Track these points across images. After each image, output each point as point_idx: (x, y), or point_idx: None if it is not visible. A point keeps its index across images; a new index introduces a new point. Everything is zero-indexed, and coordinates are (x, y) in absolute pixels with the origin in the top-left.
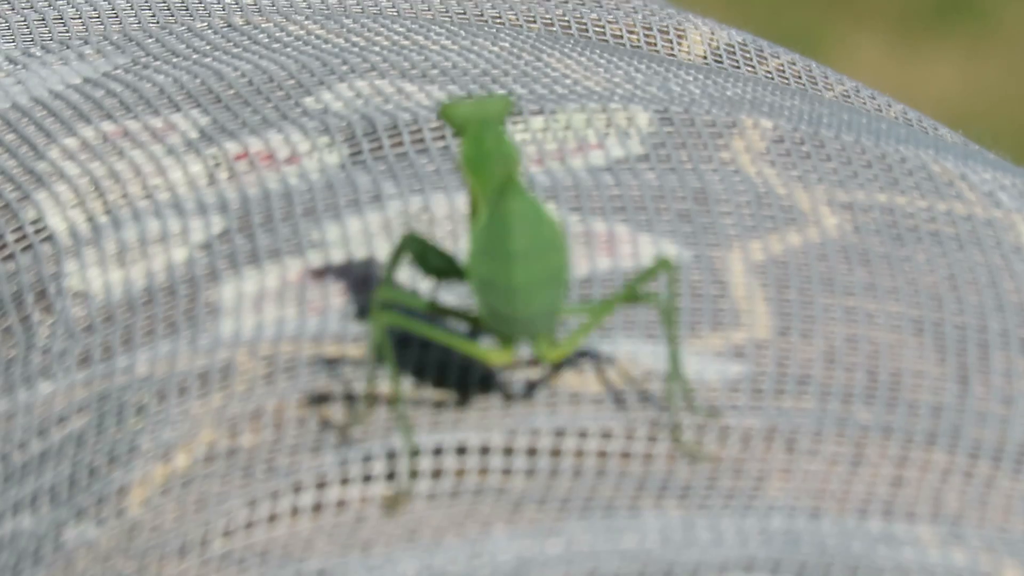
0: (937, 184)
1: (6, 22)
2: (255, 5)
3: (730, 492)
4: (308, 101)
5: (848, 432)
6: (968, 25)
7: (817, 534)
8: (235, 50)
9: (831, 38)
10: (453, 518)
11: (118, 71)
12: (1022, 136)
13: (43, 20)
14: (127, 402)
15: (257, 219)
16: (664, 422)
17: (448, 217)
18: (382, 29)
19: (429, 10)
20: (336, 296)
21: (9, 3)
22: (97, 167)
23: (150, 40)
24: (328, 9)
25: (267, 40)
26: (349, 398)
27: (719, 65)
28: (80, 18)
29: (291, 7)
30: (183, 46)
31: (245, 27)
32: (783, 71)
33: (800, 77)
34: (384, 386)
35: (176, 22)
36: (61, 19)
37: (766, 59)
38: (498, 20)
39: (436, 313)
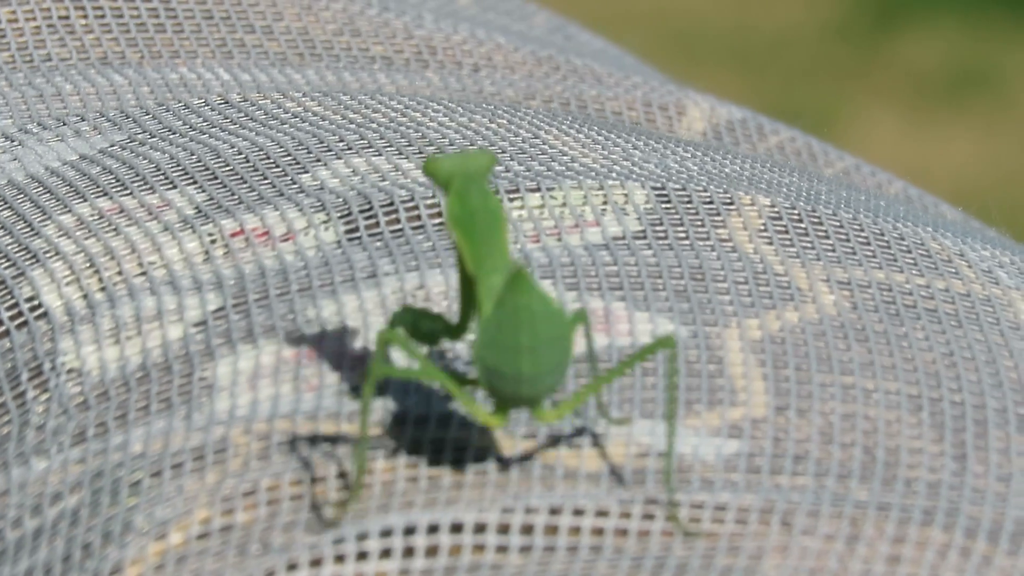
0: (935, 261)
1: (3, 98)
2: (253, 82)
3: (726, 570)
4: (304, 178)
5: (845, 510)
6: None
7: None
8: (232, 127)
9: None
10: None
11: (114, 148)
12: None
13: (40, 96)
14: (122, 479)
15: (253, 296)
16: (660, 499)
17: (443, 294)
18: (379, 106)
19: (428, 87)
20: (331, 373)
21: (7, 79)
22: (93, 244)
23: (147, 117)
24: (326, 86)
25: (264, 117)
26: (344, 476)
27: (718, 142)
28: (78, 94)
29: (288, 84)
30: (180, 123)
31: (242, 104)
32: (782, 148)
33: (800, 154)
34: (379, 464)
35: (173, 99)
36: (59, 95)
37: (766, 136)
38: (497, 97)
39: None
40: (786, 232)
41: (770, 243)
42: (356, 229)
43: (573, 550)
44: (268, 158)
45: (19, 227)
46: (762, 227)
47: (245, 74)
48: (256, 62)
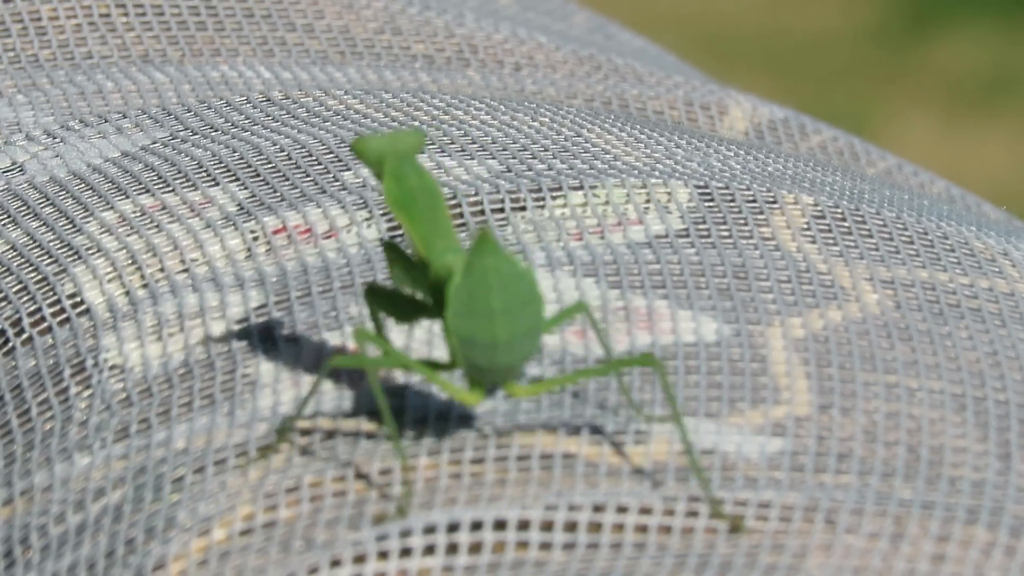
0: (979, 260)
1: (45, 95)
2: (294, 80)
3: (770, 568)
4: (346, 176)
5: (889, 508)
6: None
7: None
8: (274, 124)
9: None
10: None
11: (157, 144)
12: None
13: (82, 93)
14: (165, 475)
15: (295, 293)
16: (703, 496)
17: None
18: (421, 104)
19: (470, 85)
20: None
21: (48, 76)
22: (135, 241)
23: (189, 114)
24: (367, 84)
25: (306, 114)
26: (386, 472)
27: (760, 141)
28: (119, 92)
29: (330, 82)
30: (222, 120)
31: (284, 101)
32: (825, 147)
33: (842, 153)
34: (422, 460)
35: (215, 96)
36: (100, 92)
37: (808, 135)
38: (538, 95)
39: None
40: (829, 231)
41: (813, 242)
42: (399, 227)
43: (617, 547)
44: (311, 155)
45: (61, 224)
46: (805, 226)
47: (286, 72)
48: (297, 60)
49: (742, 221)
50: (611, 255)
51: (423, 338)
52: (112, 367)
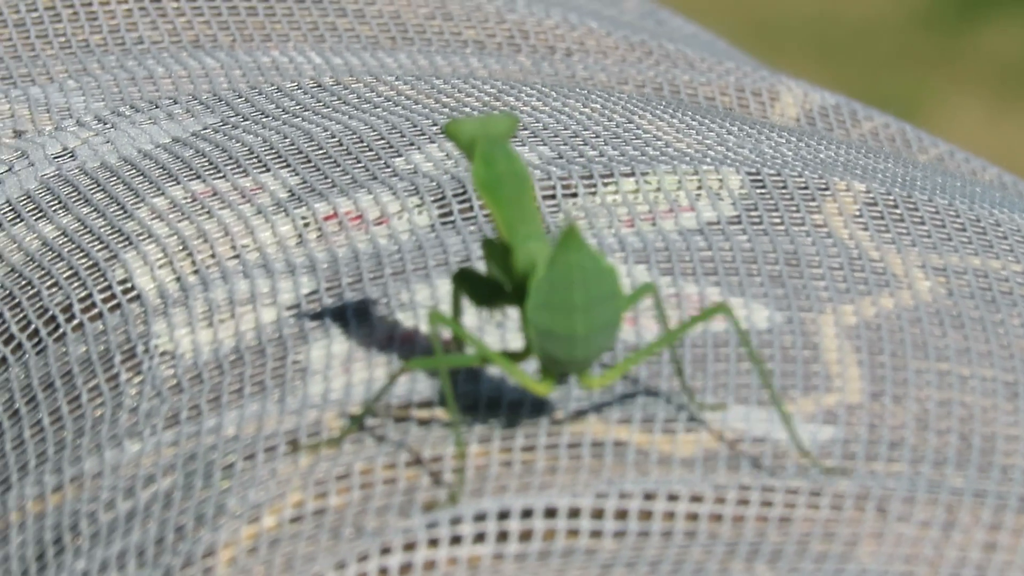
0: None
1: (96, 81)
2: (345, 65)
3: (821, 556)
4: (398, 162)
5: (940, 496)
6: None
7: None
8: (325, 110)
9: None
10: None
11: (207, 131)
12: None
13: (133, 79)
14: (215, 462)
15: (347, 280)
16: (756, 484)
17: None
18: (473, 90)
19: (521, 71)
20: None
21: (99, 62)
22: (186, 227)
23: (239, 100)
24: (418, 70)
25: (357, 100)
26: (437, 460)
27: (812, 127)
28: (170, 77)
29: (381, 68)
30: (272, 106)
31: (335, 87)
32: (876, 134)
33: (894, 140)
34: (472, 448)
35: (266, 82)
36: (151, 78)
37: (859, 122)
38: (589, 81)
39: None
40: (881, 218)
41: (865, 229)
42: (450, 213)
43: (667, 535)
44: (361, 142)
45: (112, 209)
46: (857, 213)
47: (337, 58)
48: (348, 46)
49: (794, 208)
50: (663, 242)
51: (495, 322)
52: (163, 353)
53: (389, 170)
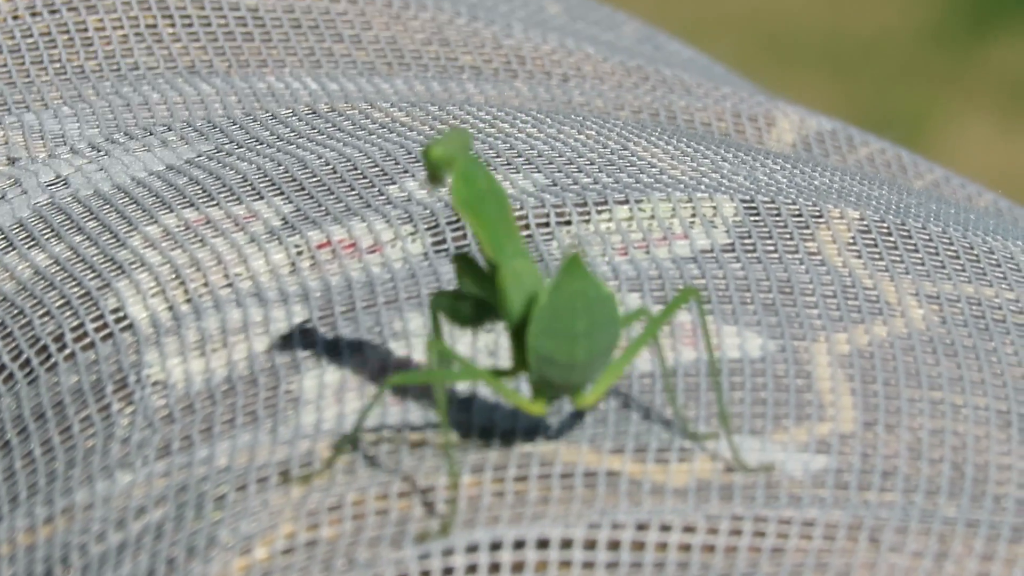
0: None
1: (90, 107)
2: (341, 91)
3: None
4: (392, 189)
5: (933, 526)
6: None
7: None
8: (319, 137)
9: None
10: None
11: (201, 158)
12: None
13: (127, 105)
14: (207, 493)
15: (340, 309)
16: (749, 514)
17: None
18: (468, 117)
19: (517, 97)
20: (418, 387)
21: (94, 88)
22: (179, 255)
23: (234, 127)
24: (415, 96)
25: (352, 127)
26: (430, 491)
27: (808, 153)
28: (165, 104)
29: (377, 93)
30: (267, 133)
31: (330, 114)
32: (873, 159)
33: (890, 165)
34: (465, 478)
35: (260, 108)
36: (146, 104)
37: (856, 147)
38: (586, 107)
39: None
40: (875, 245)
41: (859, 256)
42: (443, 241)
43: (660, 566)
44: (355, 169)
45: (105, 238)
46: (851, 240)
47: (333, 83)
48: (344, 71)
49: (788, 236)
50: (656, 270)
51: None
52: (155, 383)
53: (383, 198)
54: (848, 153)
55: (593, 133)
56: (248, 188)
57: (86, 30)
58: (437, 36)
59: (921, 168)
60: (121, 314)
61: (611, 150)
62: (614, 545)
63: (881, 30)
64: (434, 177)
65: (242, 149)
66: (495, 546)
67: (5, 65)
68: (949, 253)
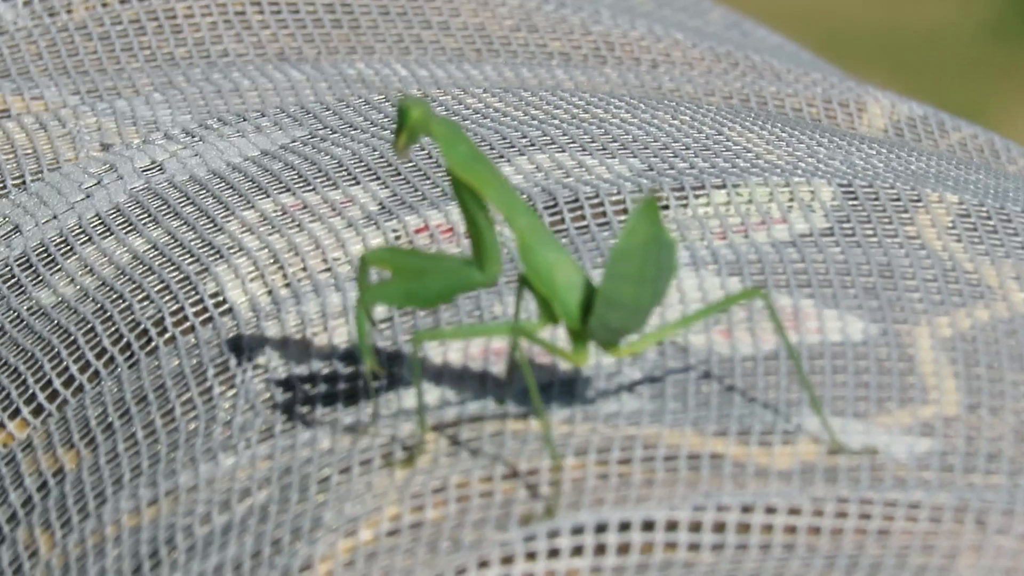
0: None
1: (181, 94)
2: (431, 77)
3: (921, 569)
4: None
5: None
6: None
7: None
8: None
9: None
10: None
11: (296, 143)
12: None
13: (219, 92)
14: (310, 475)
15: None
16: (854, 497)
17: None
18: (561, 102)
19: (606, 83)
20: (518, 371)
21: (184, 75)
22: (277, 240)
23: (327, 112)
24: (504, 82)
25: (446, 113)
26: (534, 473)
27: (900, 139)
28: (256, 90)
29: (466, 80)
30: (361, 119)
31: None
32: (965, 145)
33: (982, 151)
34: (569, 461)
35: (352, 94)
36: (237, 91)
37: (947, 132)
38: (676, 93)
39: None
40: (975, 229)
41: (959, 240)
42: None
43: (766, 548)
44: None
45: (202, 223)
46: (950, 224)
47: (423, 70)
48: (433, 58)
49: (886, 220)
50: (755, 254)
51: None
52: (255, 366)
53: None
54: (940, 138)
55: (687, 118)
56: (344, 173)
57: (175, 17)
58: (525, 23)
59: (1014, 153)
60: (220, 298)
61: (706, 135)
62: (719, 527)
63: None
64: (409, 139)
65: (336, 135)
66: (601, 528)
67: (96, 52)
68: None
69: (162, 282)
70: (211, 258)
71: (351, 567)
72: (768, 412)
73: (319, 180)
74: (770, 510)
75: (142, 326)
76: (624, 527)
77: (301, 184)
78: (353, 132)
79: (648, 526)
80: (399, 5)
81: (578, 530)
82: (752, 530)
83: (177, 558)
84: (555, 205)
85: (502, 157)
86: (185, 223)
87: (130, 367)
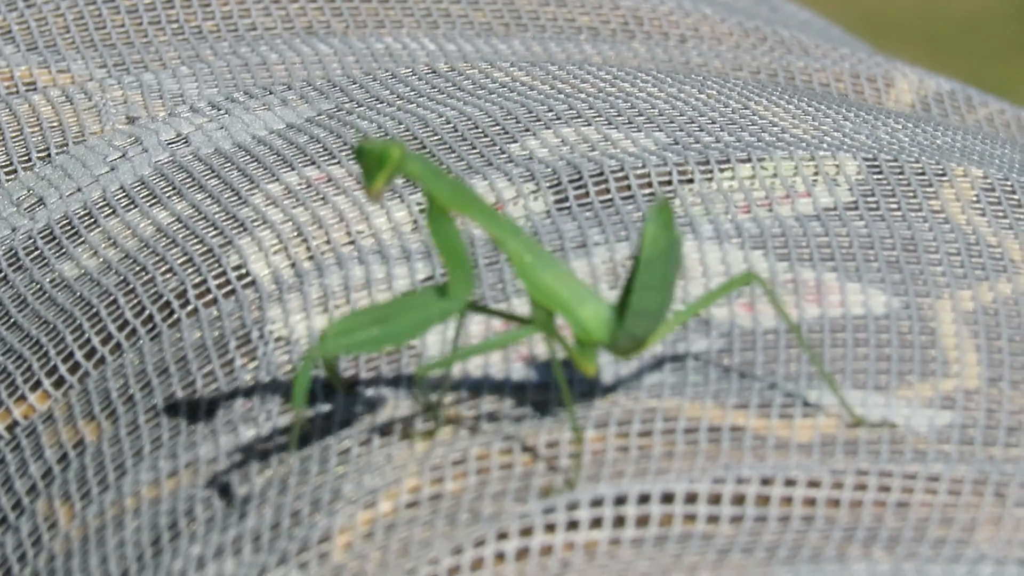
0: None
1: (208, 67)
2: (459, 51)
3: (939, 541)
4: (513, 148)
5: None
6: None
7: None
8: (439, 96)
9: None
10: (659, 566)
11: (322, 116)
12: None
13: (246, 65)
14: (330, 448)
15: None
16: (873, 469)
17: None
18: (588, 76)
19: (635, 58)
20: (541, 345)
21: (212, 48)
22: (301, 213)
23: (354, 86)
24: (532, 56)
25: (471, 87)
26: (553, 445)
27: (927, 114)
28: (283, 63)
29: (495, 54)
30: (387, 92)
31: (449, 73)
32: (992, 120)
33: (1009, 126)
34: (589, 433)
35: (379, 68)
36: (264, 64)
37: (975, 108)
38: (704, 68)
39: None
40: (999, 204)
41: (983, 215)
42: (566, 199)
43: (784, 520)
44: (476, 128)
45: (226, 195)
46: (975, 199)
47: (451, 44)
48: (461, 32)
49: (911, 194)
50: (779, 228)
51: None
52: (278, 339)
53: (504, 156)
54: (967, 113)
55: (714, 92)
56: None
57: None
58: None
59: None
60: (243, 271)
61: (732, 109)
62: (739, 500)
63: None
64: (387, 181)
65: (363, 108)
66: (620, 500)
67: (123, 25)
68: None
69: (185, 254)
70: (235, 231)
71: (370, 539)
72: (789, 385)
73: (344, 153)
74: (790, 482)
75: (164, 298)
76: (643, 499)
77: (326, 157)
78: (379, 105)
79: (667, 498)
80: None
81: (597, 502)
82: (771, 502)
83: (196, 530)
84: (580, 179)
85: (527, 131)
86: (210, 196)
87: (152, 339)
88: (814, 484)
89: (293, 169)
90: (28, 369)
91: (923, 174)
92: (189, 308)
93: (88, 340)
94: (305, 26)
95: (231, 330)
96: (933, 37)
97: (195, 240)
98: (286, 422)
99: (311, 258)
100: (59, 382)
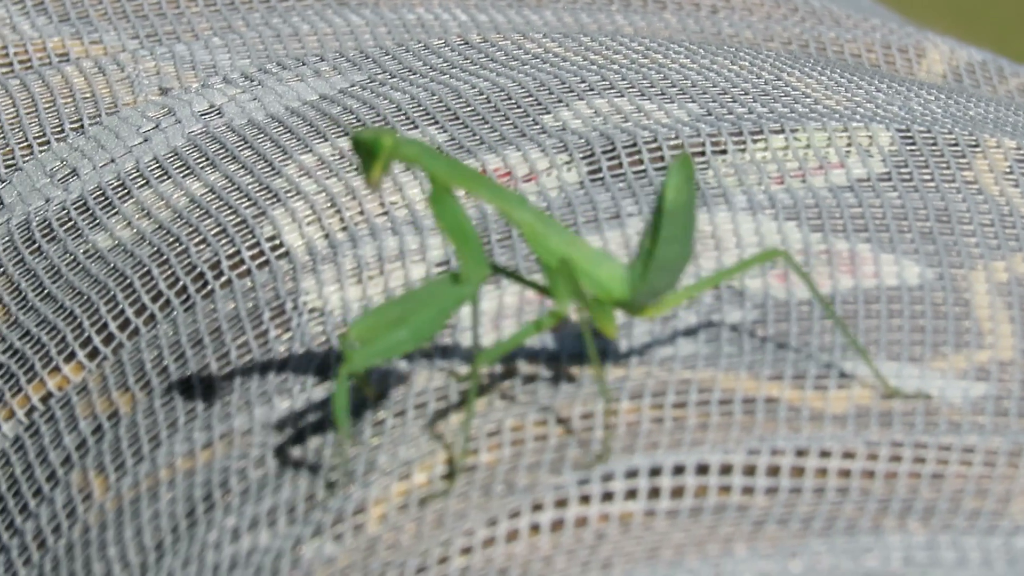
0: None
1: (240, 38)
2: (491, 23)
3: (974, 512)
4: (546, 119)
5: None
6: None
7: None
8: (472, 67)
9: None
10: (694, 537)
11: (355, 88)
12: None
13: (278, 36)
14: (365, 418)
15: (494, 236)
16: (909, 441)
17: None
18: (620, 47)
19: (666, 28)
20: (575, 315)
21: (244, 19)
22: (334, 184)
23: (386, 57)
24: (564, 27)
25: (504, 58)
26: (588, 416)
27: (959, 84)
28: (315, 34)
29: (528, 25)
30: (420, 63)
31: (482, 44)
32: None
33: None
34: (623, 404)
35: (411, 39)
36: (296, 35)
37: (1007, 78)
38: (735, 38)
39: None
40: None
41: (1016, 186)
42: (599, 170)
43: (819, 492)
44: (510, 99)
45: (260, 166)
46: (1008, 170)
47: (482, 15)
48: (493, 3)
49: (944, 165)
50: (813, 199)
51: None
52: (311, 310)
53: (538, 127)
54: (999, 84)
55: (747, 63)
56: (402, 117)
57: None
58: None
59: None
60: (277, 242)
61: (765, 80)
62: (773, 471)
63: None
64: (383, 169)
65: (395, 79)
66: (655, 472)
67: None
68: None
69: (219, 225)
70: (268, 201)
71: (404, 510)
72: (823, 356)
73: (377, 124)
74: (824, 454)
75: (198, 269)
76: (678, 470)
77: (359, 128)
78: (412, 76)
79: (702, 470)
80: None
81: (632, 473)
82: (806, 474)
83: (231, 501)
84: (613, 149)
85: (560, 102)
86: (243, 167)
87: (186, 310)
88: (849, 455)
89: (326, 140)
90: (62, 340)
91: (956, 145)
92: (223, 279)
93: (122, 311)
94: None
95: (265, 301)
96: (958, 6)
97: (228, 211)
98: (321, 394)
99: (344, 229)
100: (93, 353)
